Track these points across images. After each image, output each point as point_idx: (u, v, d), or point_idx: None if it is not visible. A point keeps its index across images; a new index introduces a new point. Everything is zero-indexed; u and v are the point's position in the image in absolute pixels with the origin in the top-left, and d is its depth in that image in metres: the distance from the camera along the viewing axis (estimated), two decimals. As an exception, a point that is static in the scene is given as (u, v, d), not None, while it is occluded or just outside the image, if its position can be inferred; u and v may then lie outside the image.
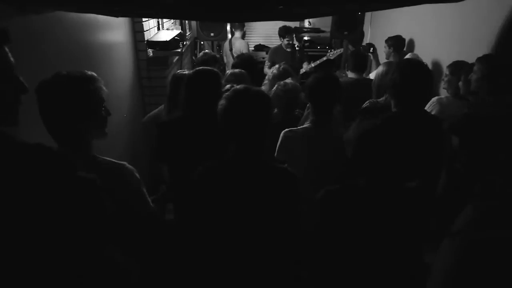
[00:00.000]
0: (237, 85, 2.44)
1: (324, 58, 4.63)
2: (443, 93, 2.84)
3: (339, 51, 4.67)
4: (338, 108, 2.23)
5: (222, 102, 1.43)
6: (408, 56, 3.77)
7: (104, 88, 1.41)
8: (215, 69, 2.17)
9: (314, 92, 2.00)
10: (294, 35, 4.82)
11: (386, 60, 4.03)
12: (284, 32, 4.68)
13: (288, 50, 4.71)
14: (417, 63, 1.99)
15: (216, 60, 3.31)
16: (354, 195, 1.41)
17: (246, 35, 5.56)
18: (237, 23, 4.84)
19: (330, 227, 1.45)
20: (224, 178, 1.47)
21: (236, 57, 3.64)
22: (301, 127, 2.09)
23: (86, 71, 1.39)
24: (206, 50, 4.10)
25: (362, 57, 3.53)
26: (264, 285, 1.53)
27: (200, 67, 2.11)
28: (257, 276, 1.51)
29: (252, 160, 1.46)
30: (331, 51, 4.81)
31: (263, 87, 3.00)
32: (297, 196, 1.50)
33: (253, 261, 1.49)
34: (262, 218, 1.46)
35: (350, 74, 3.47)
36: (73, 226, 0.88)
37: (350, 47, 4.96)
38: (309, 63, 4.69)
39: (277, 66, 3.06)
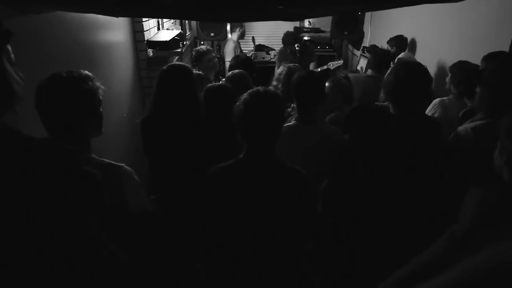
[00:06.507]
0: (236, 85, 2.48)
1: (325, 67, 4.79)
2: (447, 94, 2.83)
3: (339, 62, 4.84)
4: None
5: (238, 105, 1.47)
6: (401, 55, 3.75)
7: (101, 87, 1.41)
8: (187, 65, 2.25)
9: (298, 89, 2.03)
10: (296, 45, 4.94)
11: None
12: (285, 42, 4.89)
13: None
14: (413, 65, 1.99)
15: (202, 54, 3.41)
16: (354, 184, 1.48)
17: (246, 36, 5.54)
18: (232, 25, 4.86)
19: (333, 215, 1.51)
20: (238, 178, 1.49)
21: (232, 58, 3.66)
22: (285, 124, 2.12)
23: (81, 70, 1.38)
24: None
25: (383, 56, 3.52)
26: (276, 282, 1.53)
27: (173, 63, 2.19)
28: (269, 273, 1.51)
29: (265, 160, 1.49)
30: (335, 60, 5.01)
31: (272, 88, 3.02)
32: (310, 195, 1.52)
33: (266, 259, 1.50)
34: (276, 217, 1.47)
35: (370, 72, 3.48)
36: (74, 216, 0.90)
37: (350, 47, 4.98)
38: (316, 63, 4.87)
39: (285, 66, 3.10)
